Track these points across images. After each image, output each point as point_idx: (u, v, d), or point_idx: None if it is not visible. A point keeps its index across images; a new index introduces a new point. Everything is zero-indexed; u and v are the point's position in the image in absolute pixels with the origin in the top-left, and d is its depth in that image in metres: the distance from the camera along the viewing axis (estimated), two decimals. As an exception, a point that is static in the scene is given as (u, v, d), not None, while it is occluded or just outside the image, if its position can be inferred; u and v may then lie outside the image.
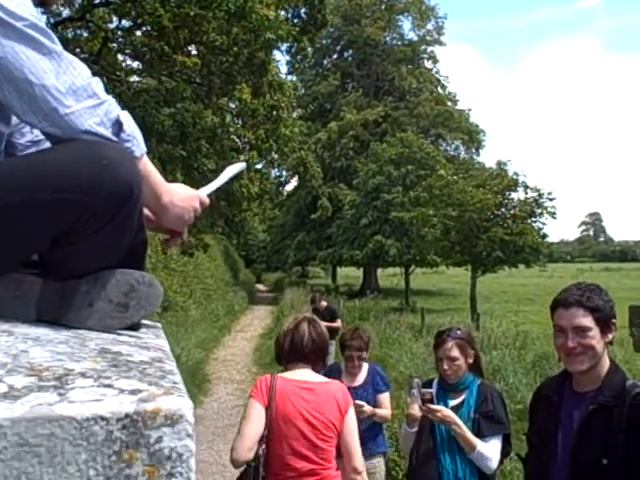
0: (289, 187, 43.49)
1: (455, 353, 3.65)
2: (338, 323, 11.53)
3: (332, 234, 36.27)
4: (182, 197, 1.40)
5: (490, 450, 3.49)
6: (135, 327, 1.29)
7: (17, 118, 1.31)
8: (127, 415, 0.69)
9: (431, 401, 3.56)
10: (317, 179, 20.13)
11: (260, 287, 46.93)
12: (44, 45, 1.18)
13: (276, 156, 14.71)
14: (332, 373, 4.96)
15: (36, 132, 1.58)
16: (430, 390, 3.63)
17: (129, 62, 12.17)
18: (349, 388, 4.70)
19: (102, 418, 0.68)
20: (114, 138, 1.22)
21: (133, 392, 0.75)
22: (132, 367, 0.89)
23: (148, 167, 1.30)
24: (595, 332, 2.51)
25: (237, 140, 12.94)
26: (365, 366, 4.90)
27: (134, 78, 11.60)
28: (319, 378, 3.43)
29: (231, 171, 1.68)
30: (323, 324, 10.75)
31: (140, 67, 11.90)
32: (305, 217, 39.56)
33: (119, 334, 1.20)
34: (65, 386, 0.75)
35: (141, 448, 0.69)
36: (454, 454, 3.56)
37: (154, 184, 1.32)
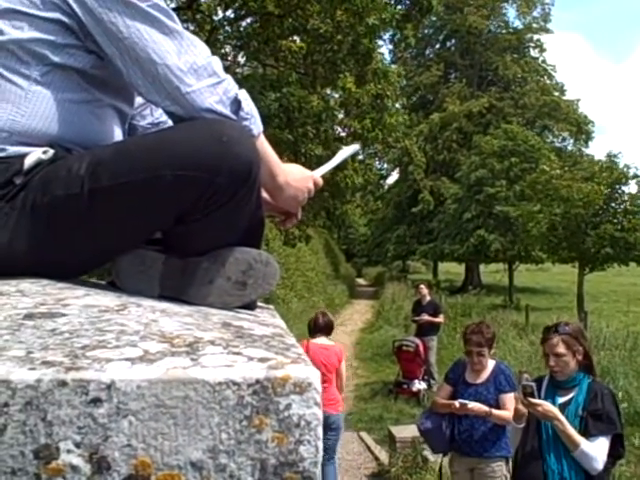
0: (390, 180, 43.35)
1: (561, 349, 3.55)
2: (440, 318, 11.40)
3: (433, 228, 35.83)
4: (297, 177, 1.41)
5: (595, 450, 3.36)
6: (251, 306, 1.30)
7: (141, 97, 1.35)
8: (258, 381, 0.70)
9: (532, 394, 3.49)
10: (420, 170, 19.95)
11: (360, 281, 46.97)
12: (166, 25, 1.22)
13: (379, 147, 14.66)
14: (456, 368, 4.89)
15: (156, 115, 1.63)
16: (531, 383, 3.55)
17: (234, 53, 12.43)
18: (470, 384, 4.63)
19: (234, 383, 0.69)
20: (233, 116, 1.24)
21: (262, 360, 0.76)
22: (256, 339, 0.90)
23: (265, 146, 1.32)
24: None
25: (341, 130, 12.99)
26: (491, 364, 4.73)
27: (239, 70, 11.84)
28: (329, 342, 6.52)
29: (345, 153, 1.68)
30: (426, 318, 10.67)
31: (245, 57, 12.13)
32: (406, 211, 39.26)
33: (237, 312, 1.22)
34: (196, 352, 0.77)
35: (271, 414, 0.70)
36: (560, 453, 3.45)
37: (270, 164, 1.34)
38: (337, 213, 17.72)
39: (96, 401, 0.67)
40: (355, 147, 1.74)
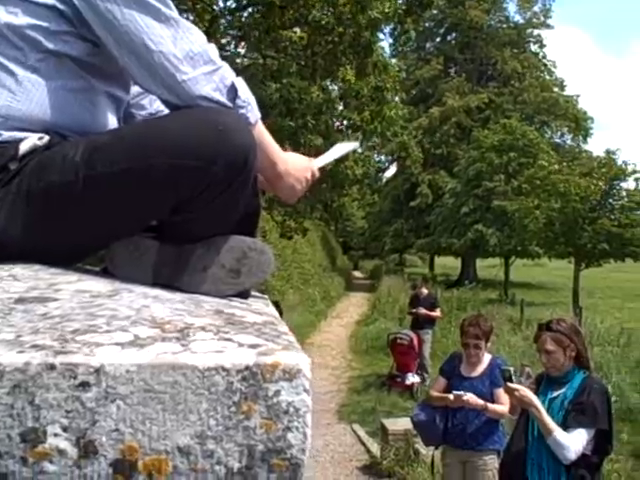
0: (388, 174, 43.37)
1: (550, 346, 3.61)
2: (437, 312, 11.40)
3: (431, 222, 35.84)
4: (297, 167, 1.40)
5: (569, 439, 3.40)
6: (245, 295, 1.30)
7: (137, 85, 1.35)
8: (247, 367, 0.70)
9: (510, 379, 3.62)
10: (418, 165, 19.98)
11: (357, 274, 46.98)
12: (162, 12, 1.20)
13: (377, 140, 14.67)
14: (451, 361, 4.91)
15: (155, 106, 1.63)
16: (509, 368, 3.72)
17: (234, 45, 12.39)
18: (465, 378, 4.65)
19: (223, 369, 0.69)
20: (229, 104, 1.23)
21: (252, 346, 0.76)
22: (248, 326, 0.90)
23: (263, 134, 1.31)
24: None
25: (339, 123, 12.99)
26: (487, 357, 4.76)
27: (239, 60, 11.80)
28: None
29: (344, 148, 1.67)
30: (423, 311, 10.85)
31: (246, 48, 12.09)
32: (403, 204, 39.29)
33: (230, 299, 1.22)
34: (187, 338, 0.77)
35: (259, 401, 0.70)
36: (542, 448, 3.51)
37: (269, 151, 1.33)
38: (334, 206, 17.74)
39: (84, 385, 0.67)
40: (355, 144, 1.74)
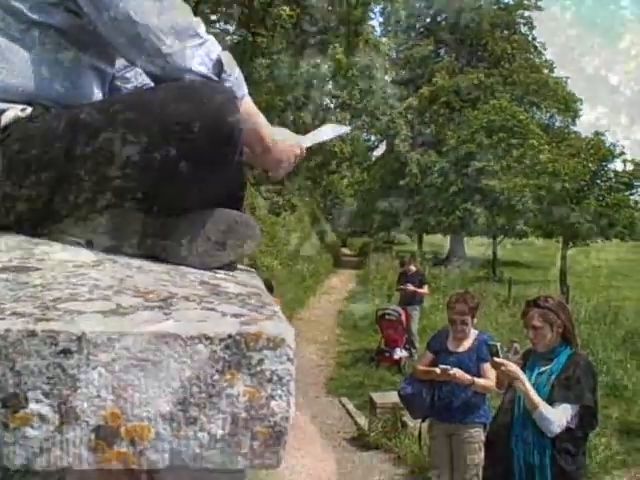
0: (377, 152, 43.26)
1: (537, 322, 3.66)
2: (425, 289, 11.46)
3: (419, 201, 35.85)
4: (285, 142, 1.39)
5: (554, 413, 3.46)
6: (231, 267, 1.30)
7: (122, 58, 1.33)
8: (230, 336, 0.70)
9: (497, 354, 3.68)
10: (406, 144, 19.96)
11: (345, 251, 47.03)
12: None
13: (366, 119, 14.65)
14: (439, 336, 4.97)
15: (140, 79, 1.61)
16: (496, 343, 3.78)
17: (223, 22, 12.27)
18: (452, 352, 4.70)
19: (206, 337, 0.69)
20: (215, 78, 1.22)
21: (235, 316, 0.76)
22: (232, 297, 0.90)
23: (250, 108, 1.30)
24: None
25: (329, 101, 12.96)
26: (473, 333, 4.81)
27: (228, 37, 11.70)
28: None
29: (333, 131, 1.65)
30: (411, 288, 10.89)
31: (235, 25, 11.98)
32: (392, 183, 39.22)
33: (215, 271, 1.22)
34: (170, 307, 0.77)
35: (243, 369, 0.70)
36: (527, 424, 3.56)
37: (257, 125, 1.32)
38: (324, 183, 17.75)
39: (66, 352, 0.66)
40: (345, 129, 1.72)
